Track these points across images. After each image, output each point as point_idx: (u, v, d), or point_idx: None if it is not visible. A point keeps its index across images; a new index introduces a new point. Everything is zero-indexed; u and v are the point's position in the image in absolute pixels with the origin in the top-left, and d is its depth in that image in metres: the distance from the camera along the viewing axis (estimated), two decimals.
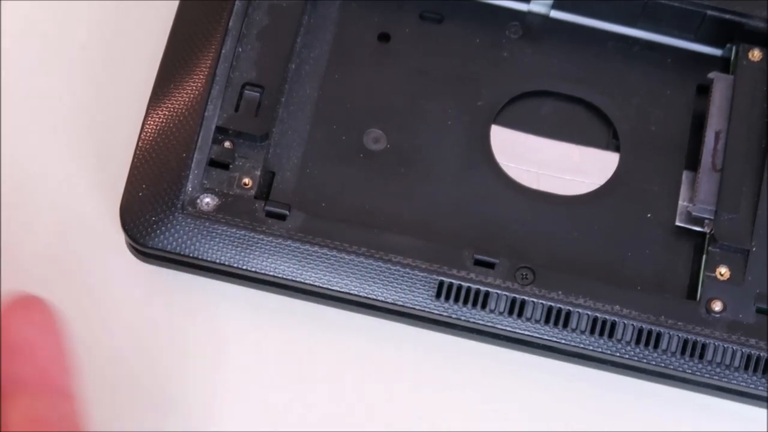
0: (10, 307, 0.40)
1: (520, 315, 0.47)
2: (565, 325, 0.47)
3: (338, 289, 0.47)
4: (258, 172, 0.48)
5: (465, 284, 0.47)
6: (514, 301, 0.47)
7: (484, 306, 0.47)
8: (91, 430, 0.48)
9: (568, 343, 0.47)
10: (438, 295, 0.47)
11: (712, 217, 0.48)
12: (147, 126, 0.48)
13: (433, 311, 0.47)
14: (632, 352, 0.47)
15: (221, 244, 0.47)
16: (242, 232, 0.47)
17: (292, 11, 0.50)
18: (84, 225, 0.50)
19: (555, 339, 0.47)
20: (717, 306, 0.47)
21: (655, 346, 0.47)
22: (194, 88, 0.48)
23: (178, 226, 0.47)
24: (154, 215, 0.47)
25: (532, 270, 0.47)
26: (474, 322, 0.47)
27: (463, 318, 0.47)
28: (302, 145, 0.50)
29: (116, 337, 0.49)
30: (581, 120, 0.51)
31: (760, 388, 0.47)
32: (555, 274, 0.47)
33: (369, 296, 0.47)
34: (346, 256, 0.47)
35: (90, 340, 0.49)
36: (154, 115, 0.48)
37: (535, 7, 0.52)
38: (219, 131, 0.48)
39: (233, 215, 0.47)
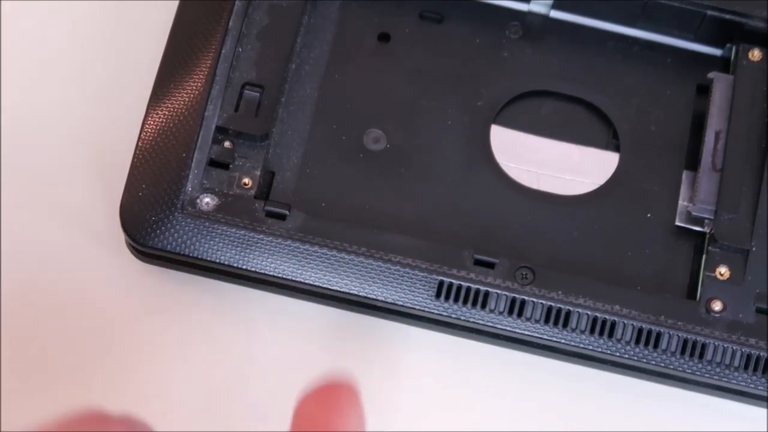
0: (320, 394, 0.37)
1: (520, 315, 0.47)
2: (565, 324, 0.47)
3: (338, 289, 0.47)
4: (258, 172, 0.48)
5: (465, 284, 0.47)
6: (514, 300, 0.47)
7: (484, 306, 0.47)
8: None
9: (568, 343, 0.47)
10: (438, 295, 0.47)
11: (712, 217, 0.48)
12: (147, 126, 0.48)
13: (433, 311, 0.47)
14: (632, 352, 0.47)
15: (221, 244, 0.47)
16: (242, 232, 0.47)
17: (292, 11, 0.50)
18: (84, 225, 0.50)
19: (555, 339, 0.47)
20: (717, 306, 0.47)
21: (655, 346, 0.47)
22: (194, 88, 0.48)
23: (177, 226, 0.47)
24: (154, 215, 0.47)
25: (532, 270, 0.47)
26: (474, 322, 0.47)
27: (463, 318, 0.47)
28: (302, 145, 0.50)
29: (116, 336, 0.49)
30: (581, 120, 0.51)
31: (760, 387, 0.47)
32: (555, 273, 0.47)
33: (369, 296, 0.47)
34: (346, 256, 0.47)
35: (90, 339, 0.49)
36: (154, 115, 0.48)
37: (535, 7, 0.52)
38: (219, 131, 0.48)
39: (233, 215, 0.47)
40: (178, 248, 0.47)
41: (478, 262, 0.47)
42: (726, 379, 0.47)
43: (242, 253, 0.47)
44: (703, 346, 0.47)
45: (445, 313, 0.47)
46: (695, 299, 0.48)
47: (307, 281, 0.47)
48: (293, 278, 0.47)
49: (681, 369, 0.47)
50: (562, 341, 0.47)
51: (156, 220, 0.47)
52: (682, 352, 0.47)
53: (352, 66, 0.51)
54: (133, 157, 0.48)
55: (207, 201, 0.47)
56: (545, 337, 0.47)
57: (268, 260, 0.47)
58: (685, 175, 0.50)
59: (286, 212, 0.47)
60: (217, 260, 0.47)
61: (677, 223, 0.49)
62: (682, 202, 0.49)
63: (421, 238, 0.47)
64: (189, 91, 0.48)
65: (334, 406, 0.37)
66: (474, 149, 0.50)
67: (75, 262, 0.50)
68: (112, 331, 0.49)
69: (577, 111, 0.51)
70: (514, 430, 0.49)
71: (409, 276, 0.47)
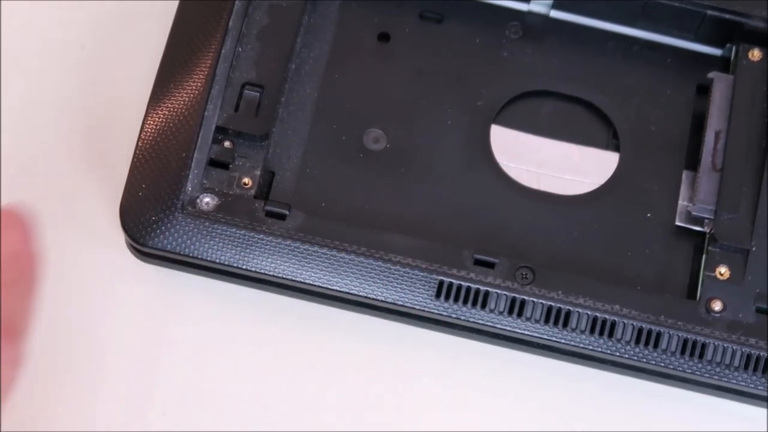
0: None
1: (520, 315, 0.47)
2: (565, 324, 0.47)
3: (338, 289, 0.47)
4: (258, 172, 0.48)
5: (465, 284, 0.47)
6: (513, 300, 0.47)
7: (484, 306, 0.47)
8: (92, 430, 0.48)
9: (568, 342, 0.47)
10: (438, 295, 0.47)
11: (712, 217, 0.48)
12: (147, 126, 0.48)
13: (433, 311, 0.47)
14: (632, 352, 0.47)
15: (221, 244, 0.47)
16: (242, 232, 0.47)
17: (292, 11, 0.50)
18: (84, 225, 0.50)
19: (555, 339, 0.47)
20: (717, 306, 0.47)
21: (655, 346, 0.47)
22: (194, 88, 0.48)
23: (177, 226, 0.47)
24: (154, 215, 0.47)
25: (532, 270, 0.47)
26: (474, 322, 0.47)
27: (463, 318, 0.47)
28: (302, 145, 0.50)
29: (116, 336, 0.49)
30: (581, 120, 0.51)
31: (760, 387, 0.47)
32: (555, 273, 0.47)
33: (369, 296, 0.47)
34: (346, 256, 0.47)
35: (90, 339, 0.49)
36: (154, 115, 0.48)
37: (535, 7, 0.52)
38: (219, 131, 0.48)
39: (233, 215, 0.47)
40: (178, 248, 0.47)
41: (478, 262, 0.47)
42: (726, 379, 0.47)
43: (242, 253, 0.47)
44: (703, 346, 0.47)
45: (445, 313, 0.47)
46: (695, 299, 0.48)
47: (307, 281, 0.47)
48: (293, 278, 0.47)
49: (681, 369, 0.47)
50: (562, 341, 0.47)
51: (156, 220, 0.47)
52: (682, 352, 0.47)
53: (352, 66, 0.51)
54: (133, 157, 0.48)
55: (207, 201, 0.47)
56: (545, 337, 0.47)
57: (268, 260, 0.47)
58: (685, 175, 0.50)
59: (286, 212, 0.47)
60: (217, 260, 0.47)
61: (677, 223, 0.49)
62: (682, 202, 0.49)
63: (421, 238, 0.47)
64: (189, 91, 0.48)
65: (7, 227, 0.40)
66: (474, 149, 0.50)
67: (75, 262, 0.50)
68: (112, 330, 0.49)
69: (577, 111, 0.51)
70: (514, 430, 0.49)
71: (409, 276, 0.47)
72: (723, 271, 0.48)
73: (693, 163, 0.50)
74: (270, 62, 0.49)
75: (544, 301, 0.47)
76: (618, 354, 0.47)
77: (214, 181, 0.48)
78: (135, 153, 0.48)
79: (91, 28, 0.53)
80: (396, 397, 0.49)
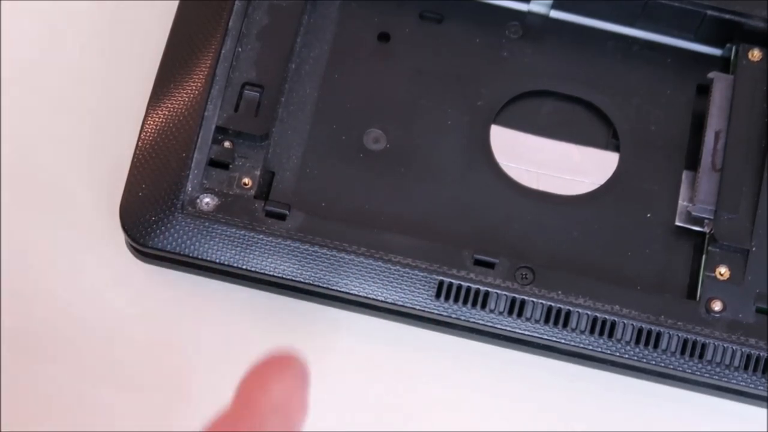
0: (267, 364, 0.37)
1: (519, 315, 0.47)
2: (565, 324, 0.47)
3: (338, 289, 0.47)
4: (258, 172, 0.48)
5: (465, 284, 0.47)
6: (513, 300, 0.47)
7: (484, 306, 0.47)
8: (92, 430, 0.48)
9: (568, 342, 0.47)
10: (438, 295, 0.47)
11: (711, 217, 0.48)
12: (147, 126, 0.48)
13: (433, 311, 0.47)
14: (632, 352, 0.47)
15: (221, 244, 0.47)
16: (242, 232, 0.47)
17: (292, 11, 0.50)
18: (84, 225, 0.50)
19: (555, 339, 0.47)
20: (717, 306, 0.47)
21: (655, 346, 0.47)
22: (194, 88, 0.48)
23: (177, 226, 0.47)
24: (154, 215, 0.47)
25: (532, 270, 0.47)
26: (474, 322, 0.47)
27: (463, 318, 0.47)
28: (302, 145, 0.50)
29: (116, 336, 0.49)
30: (581, 120, 0.51)
31: (760, 387, 0.47)
32: (555, 273, 0.47)
33: (369, 296, 0.47)
34: (346, 256, 0.47)
35: (90, 339, 0.49)
36: (154, 115, 0.48)
37: (535, 7, 0.52)
38: (219, 131, 0.48)
39: (233, 215, 0.47)
40: (178, 248, 0.47)
41: (478, 262, 0.47)
42: (726, 379, 0.47)
43: (242, 253, 0.47)
44: (703, 346, 0.47)
45: (445, 313, 0.47)
46: (695, 299, 0.48)
47: (307, 281, 0.47)
48: (293, 278, 0.47)
49: (681, 369, 0.47)
50: (562, 341, 0.47)
51: (156, 220, 0.47)
52: (682, 352, 0.47)
53: (352, 66, 0.51)
54: (133, 157, 0.48)
55: (207, 201, 0.47)
56: (545, 337, 0.47)
57: (268, 260, 0.47)
58: (685, 175, 0.50)
59: (286, 212, 0.47)
60: (217, 260, 0.47)
61: (677, 223, 0.49)
62: (682, 202, 0.49)
63: (421, 238, 0.47)
64: (189, 91, 0.48)
65: (276, 375, 0.36)
66: (474, 149, 0.50)
67: (75, 262, 0.50)
68: (112, 330, 0.49)
69: (577, 111, 0.51)
70: (514, 430, 0.49)
71: (409, 276, 0.47)
72: (723, 271, 0.48)
73: (693, 163, 0.50)
74: (270, 62, 0.49)
75: (544, 301, 0.47)
76: (618, 354, 0.47)
77: (214, 181, 0.48)
78: (135, 153, 0.48)
79: (91, 28, 0.53)
80: (396, 397, 0.49)
